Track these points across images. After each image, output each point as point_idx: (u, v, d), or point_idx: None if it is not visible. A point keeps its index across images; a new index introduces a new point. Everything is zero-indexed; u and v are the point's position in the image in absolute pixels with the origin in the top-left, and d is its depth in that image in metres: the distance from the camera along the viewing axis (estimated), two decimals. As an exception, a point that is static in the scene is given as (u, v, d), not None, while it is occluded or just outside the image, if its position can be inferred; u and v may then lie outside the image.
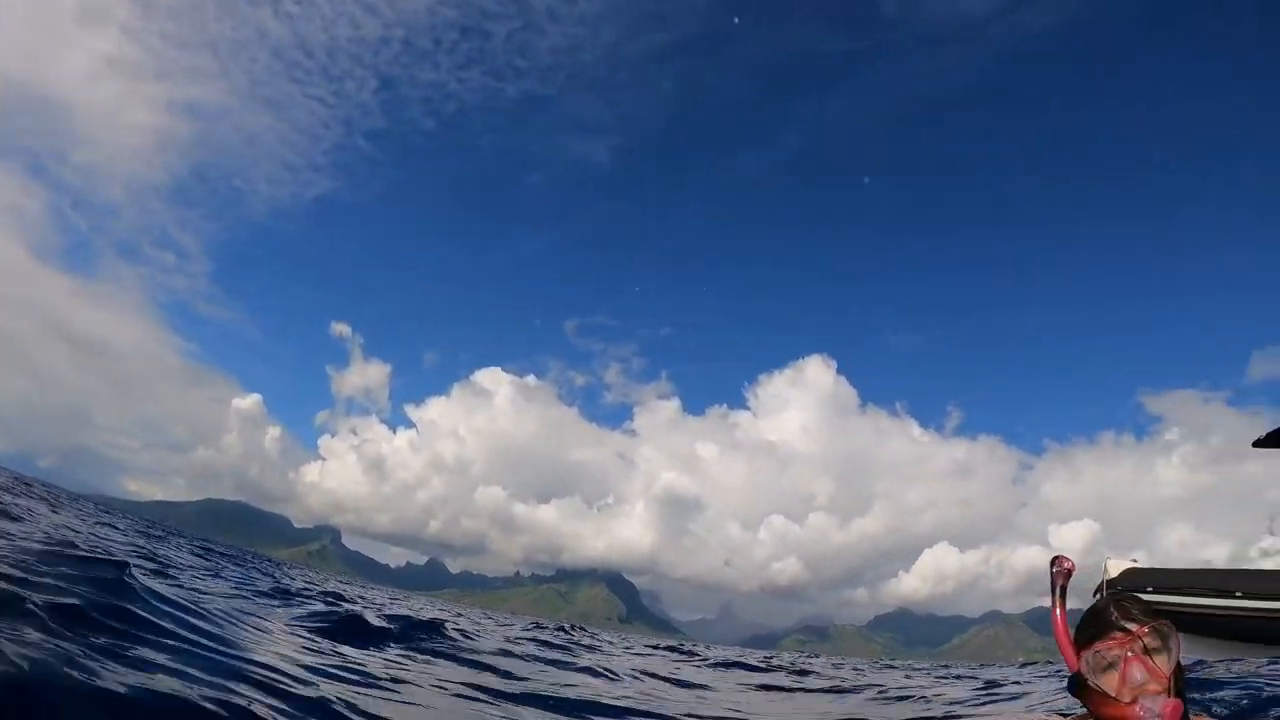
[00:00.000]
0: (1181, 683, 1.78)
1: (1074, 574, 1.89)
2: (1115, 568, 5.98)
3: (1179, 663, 1.79)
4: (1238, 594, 5.58)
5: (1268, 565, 6.77)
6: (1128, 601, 1.82)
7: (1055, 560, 1.87)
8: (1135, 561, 6.18)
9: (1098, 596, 6.21)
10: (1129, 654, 1.77)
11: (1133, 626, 1.79)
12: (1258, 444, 7.46)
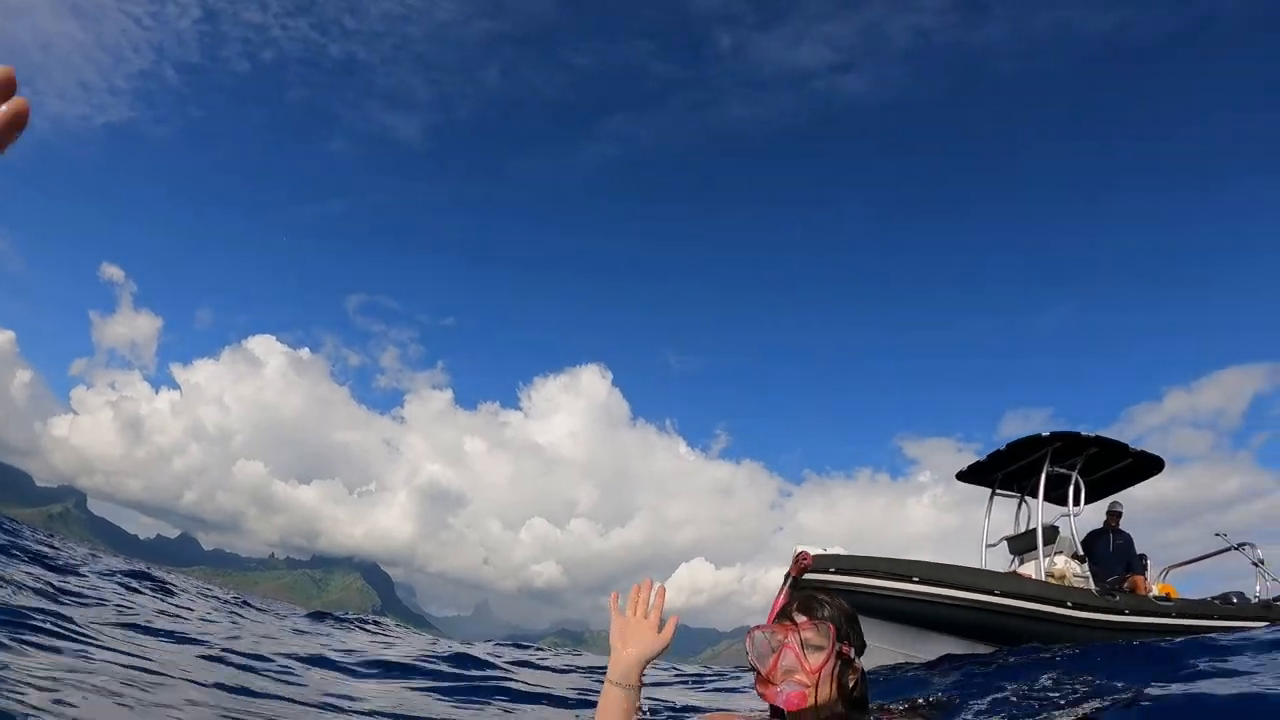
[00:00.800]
0: (853, 688, 1.87)
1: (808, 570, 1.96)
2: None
3: (858, 673, 1.89)
4: (914, 579, 6.29)
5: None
6: (816, 600, 1.93)
7: (796, 555, 1.94)
8: (826, 550, 6.76)
9: (787, 579, 6.69)
10: (786, 641, 1.86)
11: (800, 619, 1.88)
12: (959, 477, 8.58)
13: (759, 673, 1.90)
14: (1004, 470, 8.61)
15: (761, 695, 1.90)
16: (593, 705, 2.01)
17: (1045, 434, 7.83)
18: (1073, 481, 8.12)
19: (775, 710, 1.91)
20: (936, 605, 6.49)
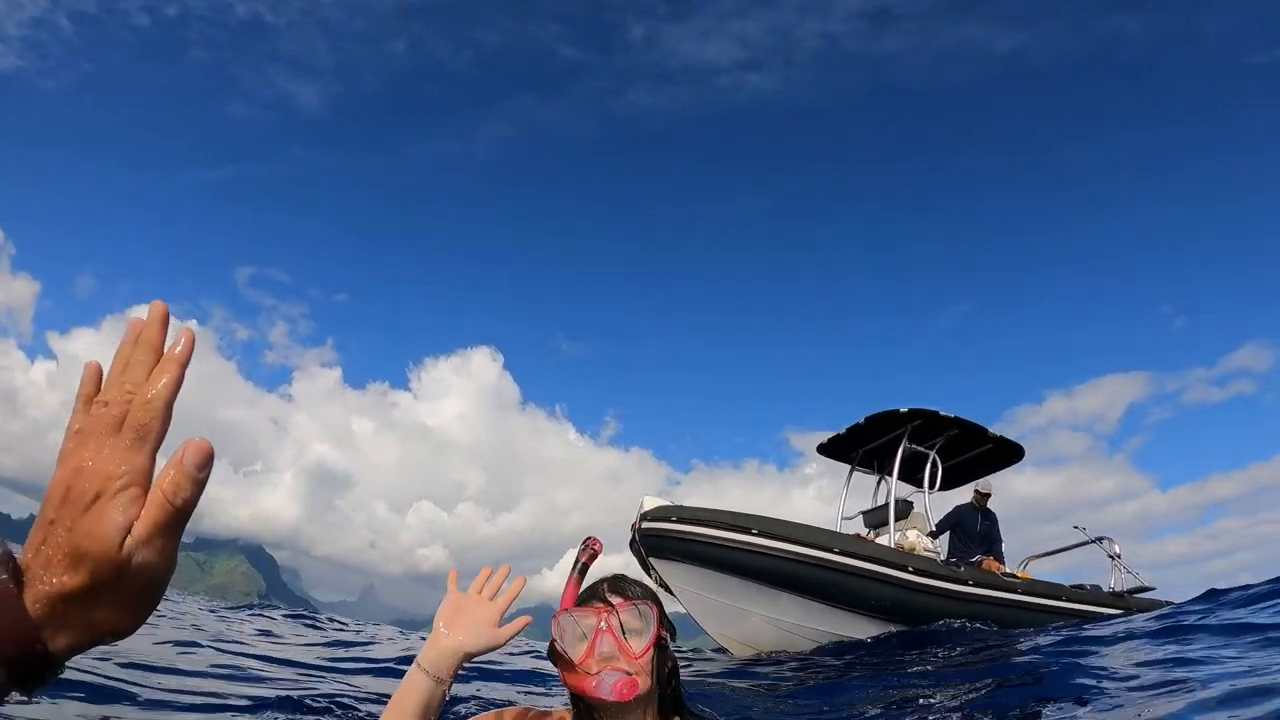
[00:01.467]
0: (668, 677, 1.71)
1: (599, 558, 1.81)
2: (650, 503, 6.50)
3: (673, 661, 1.72)
4: (754, 531, 6.24)
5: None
6: (627, 581, 1.74)
7: (586, 541, 1.82)
8: (670, 502, 6.73)
9: (633, 528, 6.60)
10: (603, 625, 1.64)
11: (616, 601, 1.68)
12: (820, 450, 8.59)
13: (568, 661, 1.65)
14: (864, 447, 8.66)
15: (573, 687, 1.64)
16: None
17: (904, 410, 7.85)
18: (930, 461, 8.22)
19: (582, 704, 1.66)
20: (774, 559, 6.44)
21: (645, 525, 6.66)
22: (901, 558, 7.01)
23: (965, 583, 7.11)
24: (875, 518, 8.27)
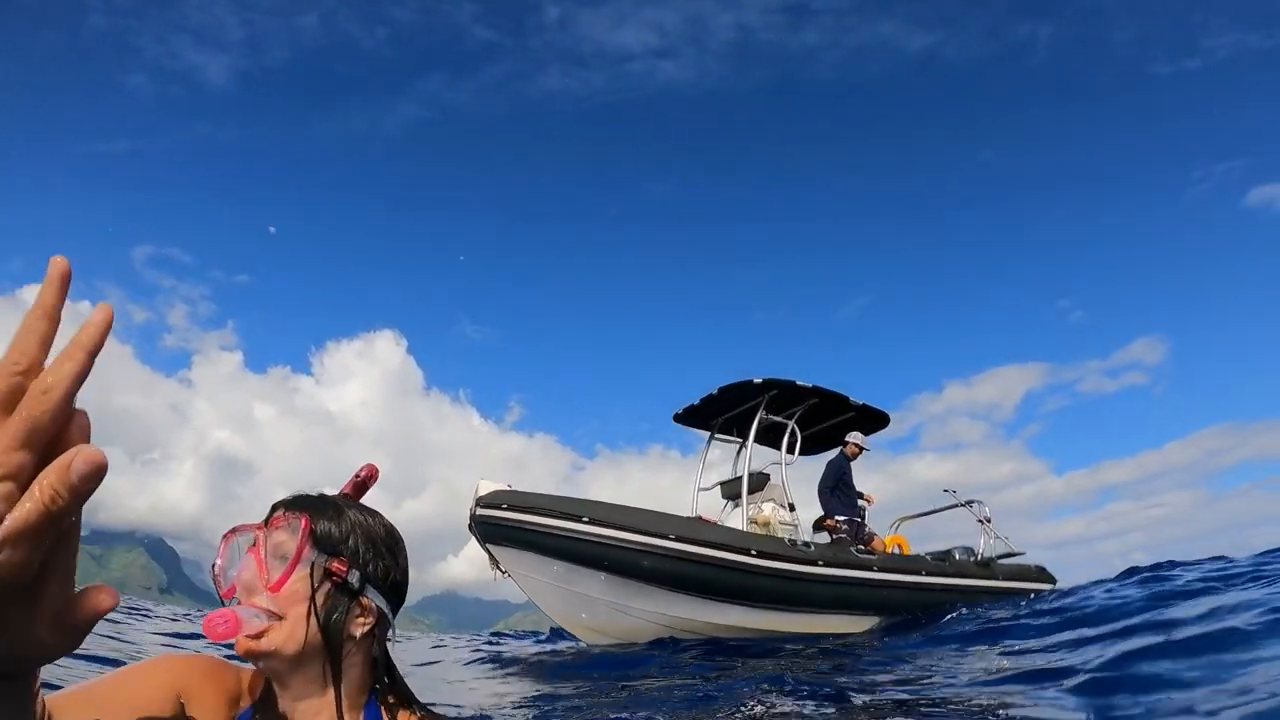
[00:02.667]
0: (346, 632, 1.16)
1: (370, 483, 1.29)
2: (485, 487, 6.17)
3: (376, 621, 1.19)
4: (584, 519, 5.91)
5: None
6: (322, 499, 1.20)
7: (364, 469, 1.17)
8: (510, 486, 6.32)
9: (470, 513, 6.22)
10: (251, 544, 1.16)
11: (277, 514, 1.17)
12: (676, 418, 8.34)
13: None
14: (724, 415, 8.42)
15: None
16: None
17: (758, 380, 7.61)
18: (789, 430, 8.05)
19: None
20: (607, 546, 6.06)
21: (479, 511, 6.22)
22: (744, 540, 6.62)
23: (815, 563, 6.80)
24: (731, 489, 8.01)
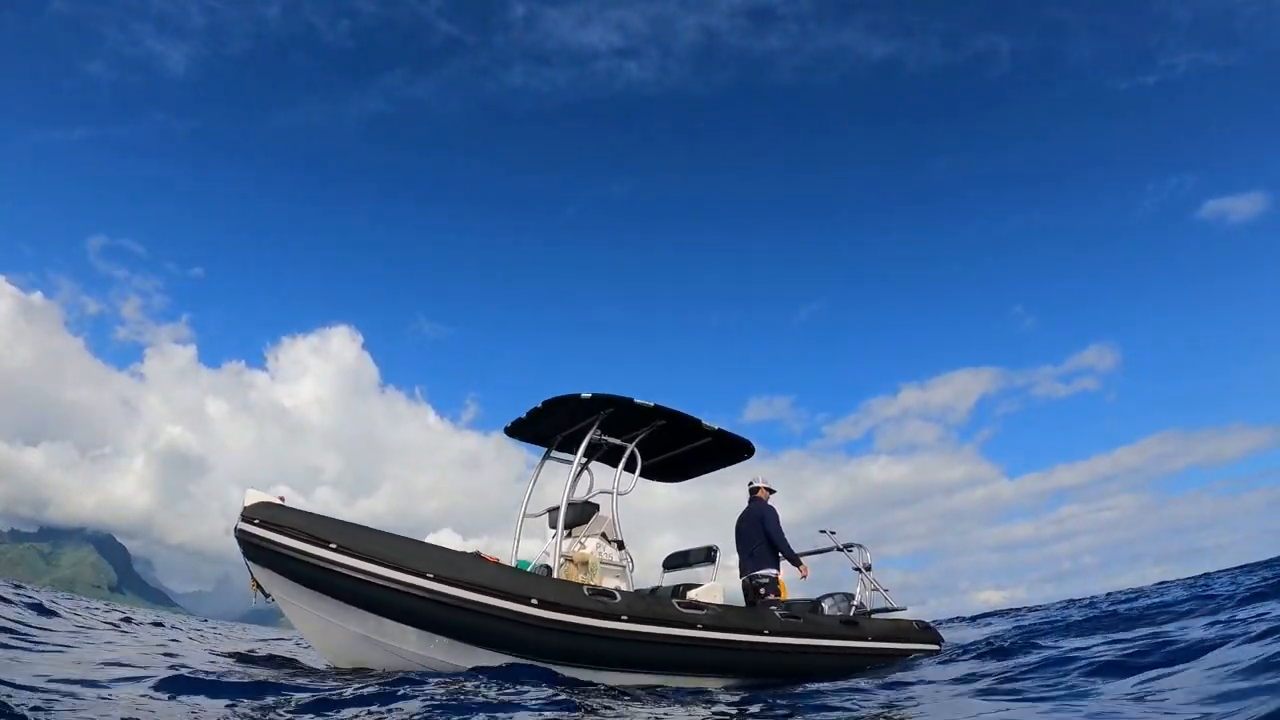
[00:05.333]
0: None
1: None
2: (252, 497, 5.22)
3: None
4: (331, 546, 4.95)
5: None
6: None
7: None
8: (282, 499, 5.45)
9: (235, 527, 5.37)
10: None
11: None
12: (506, 431, 7.38)
13: None
14: (562, 432, 7.48)
15: None
16: None
17: (587, 395, 6.67)
18: (627, 454, 7.18)
19: None
20: (356, 581, 5.09)
21: (240, 526, 5.27)
22: (525, 585, 5.46)
23: (616, 617, 5.61)
24: (557, 517, 6.98)
